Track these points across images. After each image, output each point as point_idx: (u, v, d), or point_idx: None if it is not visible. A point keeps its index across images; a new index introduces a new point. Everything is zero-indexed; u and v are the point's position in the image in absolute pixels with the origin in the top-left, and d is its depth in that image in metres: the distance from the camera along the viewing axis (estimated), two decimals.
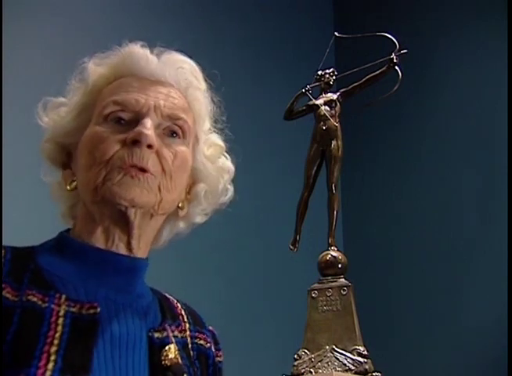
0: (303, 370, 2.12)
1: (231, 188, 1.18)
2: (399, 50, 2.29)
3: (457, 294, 3.13)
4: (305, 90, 2.38)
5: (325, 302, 2.18)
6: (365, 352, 2.09)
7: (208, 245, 3.03)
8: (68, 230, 1.09)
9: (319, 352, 2.12)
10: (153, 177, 1.02)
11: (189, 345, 1.09)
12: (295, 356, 2.15)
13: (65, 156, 1.10)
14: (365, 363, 2.08)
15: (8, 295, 0.94)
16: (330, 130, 2.33)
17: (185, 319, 1.13)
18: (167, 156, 1.04)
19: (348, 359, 2.08)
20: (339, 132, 2.33)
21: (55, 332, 0.93)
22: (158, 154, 1.03)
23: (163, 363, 1.01)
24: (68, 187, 1.07)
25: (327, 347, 2.11)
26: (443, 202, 3.28)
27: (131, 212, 1.03)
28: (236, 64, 3.21)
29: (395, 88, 2.28)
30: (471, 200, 3.20)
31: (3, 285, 0.95)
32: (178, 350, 1.04)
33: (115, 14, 3.07)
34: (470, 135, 3.27)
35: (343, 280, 2.21)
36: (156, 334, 1.03)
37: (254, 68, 3.38)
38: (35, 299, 0.95)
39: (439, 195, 3.31)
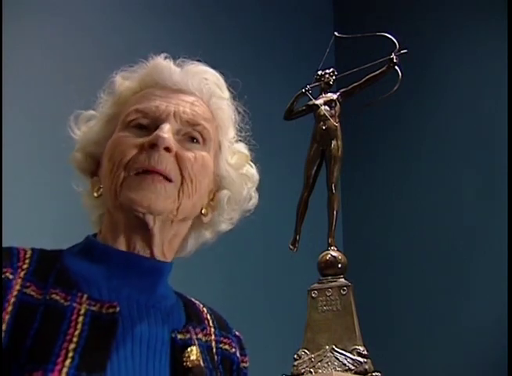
0: (303, 370, 2.12)
1: (255, 195, 1.19)
2: (399, 50, 2.29)
3: (457, 294, 3.13)
4: (305, 90, 2.38)
5: (325, 302, 2.18)
6: (365, 352, 2.09)
7: (208, 245, 3.02)
8: (95, 235, 1.11)
9: (318, 352, 2.12)
10: (171, 184, 1.03)
11: (214, 350, 1.11)
12: (295, 356, 2.15)
13: (94, 164, 1.12)
14: (365, 363, 2.08)
15: (32, 293, 0.96)
16: (330, 130, 2.33)
17: (211, 324, 1.15)
18: (187, 159, 1.05)
19: (348, 359, 2.08)
20: (339, 132, 2.33)
21: (75, 330, 0.95)
22: (177, 158, 1.04)
23: (184, 364, 1.02)
24: (95, 194, 1.10)
25: (327, 347, 2.11)
26: (443, 202, 3.28)
27: (150, 219, 1.03)
28: (236, 64, 3.19)
29: (395, 88, 2.28)
30: (471, 200, 3.20)
31: (28, 283, 0.97)
32: (201, 352, 1.05)
33: (115, 14, 3.07)
34: (470, 135, 3.27)
35: (343, 280, 2.21)
36: (180, 336, 1.04)
37: (254, 68, 3.38)
38: (58, 298, 0.97)
39: (439, 195, 3.31)
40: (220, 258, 3.08)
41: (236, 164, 1.16)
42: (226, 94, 1.16)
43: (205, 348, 1.08)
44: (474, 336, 3.03)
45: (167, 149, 1.03)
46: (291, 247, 2.35)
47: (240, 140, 1.18)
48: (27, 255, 1.01)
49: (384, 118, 3.48)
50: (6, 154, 2.39)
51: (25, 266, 0.99)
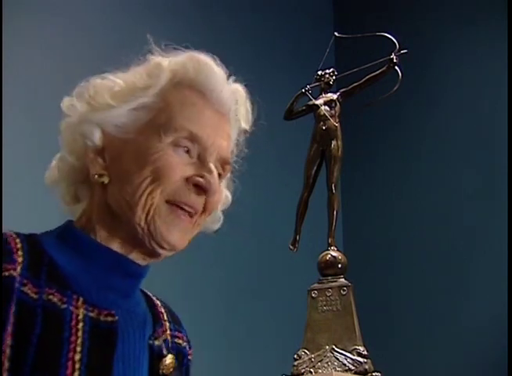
0: (303, 370, 2.12)
1: (222, 217, 1.14)
2: (399, 50, 2.29)
3: (457, 294, 3.13)
4: (305, 90, 2.38)
5: (325, 302, 2.18)
6: (365, 352, 2.09)
7: (208, 245, 3.02)
8: (72, 221, 1.05)
9: (318, 352, 2.12)
10: (196, 221, 1.03)
11: (169, 345, 1.07)
12: (295, 356, 2.15)
13: (101, 142, 1.03)
14: (365, 363, 2.08)
15: (29, 291, 0.92)
16: (330, 130, 2.33)
17: (165, 318, 1.11)
18: (213, 202, 1.04)
19: (348, 359, 2.08)
20: (339, 132, 2.33)
21: (77, 338, 0.92)
22: (206, 199, 1.02)
23: (160, 372, 1.01)
24: (95, 178, 1.02)
25: (327, 347, 2.11)
26: (443, 202, 3.28)
27: (165, 253, 1.03)
28: (236, 64, 3.20)
29: (395, 88, 2.28)
30: (471, 200, 3.20)
31: (25, 280, 0.92)
32: (174, 358, 1.04)
33: (115, 14, 3.07)
34: (470, 135, 3.27)
35: (343, 280, 2.21)
36: (156, 342, 1.03)
37: (253, 68, 3.37)
38: (55, 299, 0.93)
39: (439, 195, 3.31)
40: (220, 258, 3.08)
41: None
42: (245, 125, 1.13)
43: (166, 347, 1.06)
44: (474, 336, 3.03)
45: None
46: (291, 247, 2.35)
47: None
48: (18, 245, 0.95)
49: (384, 118, 3.48)
50: (6, 154, 2.39)
51: (20, 260, 0.93)
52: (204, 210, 1.03)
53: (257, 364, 2.97)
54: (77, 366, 0.90)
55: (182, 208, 1.00)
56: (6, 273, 0.91)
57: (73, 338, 0.92)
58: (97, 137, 1.02)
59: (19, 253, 0.94)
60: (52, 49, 2.81)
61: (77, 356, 0.91)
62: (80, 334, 0.93)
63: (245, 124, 1.12)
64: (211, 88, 1.05)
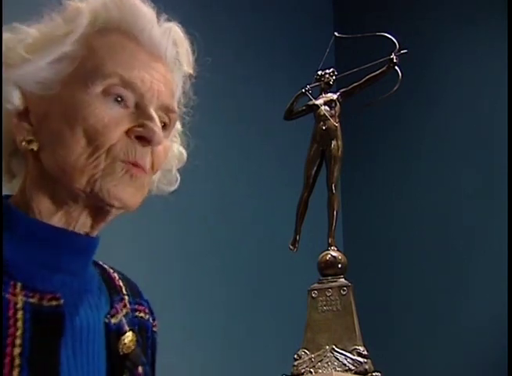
0: (303, 370, 2.12)
1: (178, 176, 1.05)
2: (399, 50, 2.28)
3: (457, 294, 3.13)
4: (305, 90, 2.38)
5: (325, 302, 2.18)
6: (365, 352, 2.09)
7: (208, 245, 3.03)
8: (8, 197, 0.94)
9: (318, 352, 2.12)
10: (145, 175, 0.93)
11: (131, 320, 0.99)
12: (295, 356, 2.15)
13: (23, 103, 0.93)
14: (365, 363, 2.08)
15: None
16: (330, 130, 2.33)
17: (124, 291, 1.01)
18: (159, 154, 0.94)
19: (348, 359, 2.08)
20: (339, 132, 2.33)
21: (16, 329, 0.82)
22: (152, 151, 0.93)
23: (120, 351, 0.93)
24: (22, 145, 0.92)
25: (327, 347, 2.11)
26: (443, 202, 3.28)
27: (116, 211, 0.94)
28: (236, 64, 3.21)
29: (395, 88, 2.28)
30: (471, 200, 3.20)
31: None
32: (135, 335, 0.96)
33: None
34: (470, 134, 3.27)
35: (343, 280, 2.21)
36: (113, 320, 0.94)
37: (253, 68, 3.38)
38: None
39: (439, 195, 3.31)
40: (220, 258, 3.08)
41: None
42: (190, 69, 1.02)
43: (128, 323, 0.97)
44: (474, 336, 3.03)
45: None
46: (291, 247, 2.34)
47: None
48: None
49: (384, 118, 3.48)
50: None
51: None
52: (152, 164, 0.93)
53: (257, 364, 2.97)
54: (16, 361, 0.81)
55: (134, 166, 0.91)
56: None
57: (11, 331, 0.82)
58: (16, 98, 0.92)
59: None
60: None
61: (17, 350, 0.81)
62: (20, 324, 0.83)
63: (188, 68, 1.01)
64: (140, 27, 0.95)
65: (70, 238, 0.92)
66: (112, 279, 1.02)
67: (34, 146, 0.91)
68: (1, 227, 0.89)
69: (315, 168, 2.35)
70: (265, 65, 3.45)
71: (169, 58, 0.98)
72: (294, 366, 2.14)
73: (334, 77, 2.40)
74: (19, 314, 0.83)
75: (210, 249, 3.03)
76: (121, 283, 1.02)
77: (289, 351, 2.20)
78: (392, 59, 2.28)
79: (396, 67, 2.29)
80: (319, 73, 2.41)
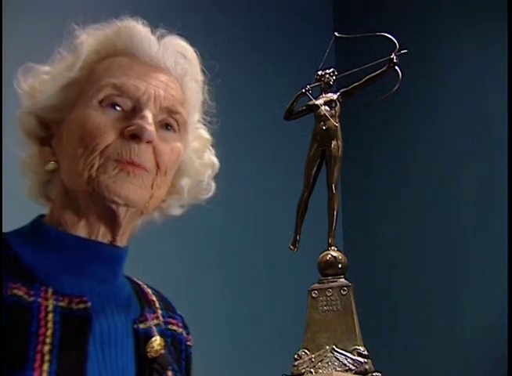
0: (303, 370, 2.12)
1: (213, 184, 1.11)
2: (399, 50, 2.29)
3: (457, 295, 3.13)
4: (305, 90, 2.38)
5: (325, 302, 2.18)
6: (366, 352, 2.09)
7: (208, 245, 3.03)
8: (42, 216, 1.04)
9: (319, 352, 2.12)
10: (147, 174, 0.97)
11: (164, 332, 1.05)
12: (295, 356, 2.15)
13: (43, 130, 1.03)
14: (366, 363, 2.08)
15: None
16: (330, 130, 2.33)
17: (157, 305, 1.09)
18: (164, 152, 0.99)
19: (348, 359, 2.08)
20: (339, 132, 2.33)
21: (47, 329, 0.89)
22: (154, 150, 0.98)
23: (148, 354, 0.98)
24: (46, 167, 1.02)
25: (327, 347, 2.11)
26: (443, 202, 3.28)
27: (122, 211, 0.98)
28: (236, 64, 3.21)
29: (395, 88, 2.28)
30: (471, 200, 3.20)
31: None
32: (164, 340, 1.02)
33: (115, 14, 3.07)
34: (470, 134, 3.27)
35: (343, 280, 2.21)
36: (141, 326, 1.00)
37: (254, 68, 3.38)
38: (21, 293, 0.91)
39: (439, 195, 3.31)
40: (220, 258, 3.08)
41: (198, 150, 1.09)
42: (200, 75, 1.08)
43: (159, 333, 1.03)
44: (474, 336, 3.03)
45: (149, 141, 0.97)
46: (291, 247, 2.35)
47: (204, 124, 1.11)
48: None
49: (383, 118, 3.48)
50: (6, 154, 2.38)
51: None
52: (157, 164, 0.98)
53: (258, 364, 2.97)
54: (46, 357, 0.87)
55: (130, 164, 0.96)
56: None
57: (42, 331, 0.89)
58: (35, 125, 1.03)
59: None
60: (52, 49, 2.81)
61: (47, 348, 0.88)
62: (50, 325, 0.90)
63: (198, 75, 1.07)
64: (136, 45, 1.02)
65: (94, 247, 0.99)
66: (145, 293, 1.09)
67: (55, 166, 1.01)
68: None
69: (315, 168, 2.35)
70: (265, 65, 3.45)
71: (172, 68, 1.03)
72: (294, 366, 2.14)
73: (334, 77, 2.40)
74: (50, 316, 0.91)
75: (211, 249, 3.03)
76: (154, 298, 1.10)
77: (289, 351, 2.20)
78: (392, 59, 2.28)
79: (396, 67, 2.29)
80: (319, 73, 2.42)
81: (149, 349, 0.99)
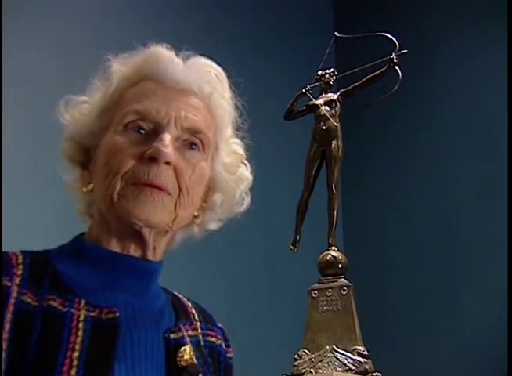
0: (303, 370, 2.12)
1: (247, 198, 1.16)
2: (399, 50, 2.29)
3: (457, 295, 3.13)
4: (305, 90, 2.38)
5: (325, 302, 2.18)
6: (366, 352, 2.09)
7: (208, 245, 3.02)
8: (83, 234, 1.10)
9: (319, 352, 2.12)
10: (168, 196, 1.01)
11: (201, 343, 1.10)
12: (295, 356, 2.15)
13: (83, 155, 1.10)
14: (366, 363, 2.08)
15: (29, 300, 0.96)
16: (330, 130, 2.33)
17: (196, 318, 1.14)
18: (185, 172, 1.03)
19: (349, 359, 2.08)
20: (339, 132, 2.33)
21: (77, 337, 0.95)
22: (176, 170, 1.02)
23: (178, 364, 1.02)
24: (84, 189, 1.08)
25: (327, 347, 2.11)
26: (443, 202, 3.28)
27: (146, 231, 1.03)
28: (236, 64, 3.20)
29: (395, 88, 2.28)
30: (471, 200, 3.20)
31: (24, 290, 0.97)
32: (194, 350, 1.06)
33: (115, 14, 3.07)
34: (470, 134, 3.27)
35: (343, 280, 2.21)
36: (172, 335, 1.05)
37: (254, 68, 3.38)
38: (55, 304, 0.97)
39: (439, 195, 3.31)
40: (220, 258, 3.08)
41: (231, 166, 1.13)
42: (227, 92, 1.12)
43: (195, 344, 1.08)
44: (474, 336, 3.03)
45: (167, 163, 1.01)
46: (291, 247, 2.35)
47: (237, 138, 1.15)
48: (19, 260, 1.00)
49: (383, 118, 3.48)
50: (6, 154, 2.39)
51: (19, 272, 0.98)
52: (180, 188, 1.03)
53: (258, 364, 2.97)
54: (74, 362, 0.92)
55: (149, 186, 1.00)
56: None
57: (72, 338, 0.95)
58: (75, 151, 1.09)
59: (20, 267, 0.99)
60: (52, 49, 2.81)
61: (76, 354, 0.93)
62: (80, 333, 0.96)
63: (225, 93, 1.12)
64: (162, 70, 1.07)
65: (127, 262, 1.05)
66: (184, 306, 1.15)
67: (91, 188, 1.07)
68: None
69: (315, 168, 2.35)
70: (265, 65, 3.45)
71: (197, 89, 1.07)
72: (295, 366, 2.14)
73: (334, 77, 2.40)
74: (81, 325, 0.97)
75: (210, 249, 3.03)
76: (194, 311, 1.15)
77: (289, 351, 2.20)
78: (392, 59, 2.29)
79: (396, 67, 2.29)
80: (320, 73, 2.42)
81: (178, 358, 1.03)
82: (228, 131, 1.13)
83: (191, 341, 1.07)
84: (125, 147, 1.02)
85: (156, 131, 1.02)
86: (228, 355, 1.17)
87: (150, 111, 1.03)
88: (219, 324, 1.19)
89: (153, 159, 1.00)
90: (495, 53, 3.23)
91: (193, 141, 1.04)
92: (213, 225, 1.15)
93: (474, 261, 3.13)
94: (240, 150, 1.15)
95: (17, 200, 2.48)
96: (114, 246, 1.04)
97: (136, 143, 1.02)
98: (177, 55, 1.10)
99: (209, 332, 1.14)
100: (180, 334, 1.05)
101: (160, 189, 1.00)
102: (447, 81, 3.41)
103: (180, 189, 1.02)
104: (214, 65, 1.12)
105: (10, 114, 2.53)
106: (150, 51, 1.10)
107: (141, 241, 1.04)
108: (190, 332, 1.09)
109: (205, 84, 1.08)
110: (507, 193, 3.01)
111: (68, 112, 1.10)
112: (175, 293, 1.16)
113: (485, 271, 3.07)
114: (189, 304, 1.16)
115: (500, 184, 3.06)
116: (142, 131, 1.03)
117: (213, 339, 1.14)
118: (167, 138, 1.01)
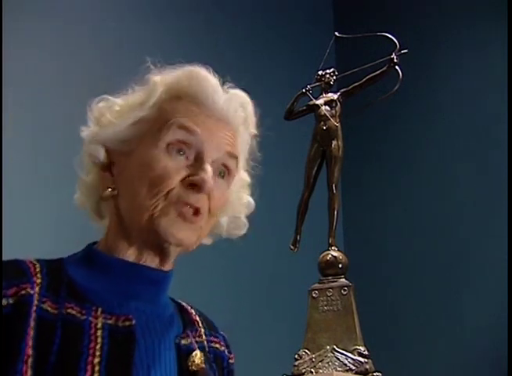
0: (304, 370, 2.12)
1: (246, 222, 1.22)
2: (399, 50, 2.29)
3: (457, 295, 3.13)
4: (306, 90, 2.38)
5: (325, 302, 2.18)
6: (366, 352, 2.09)
7: (208, 245, 3.02)
8: (94, 243, 1.13)
9: (319, 352, 2.12)
10: (202, 219, 1.08)
11: (206, 349, 1.15)
12: (296, 356, 2.15)
13: (108, 159, 1.12)
14: (366, 363, 2.08)
15: (49, 309, 1.00)
16: (331, 130, 2.33)
17: (201, 325, 1.19)
18: (217, 198, 1.09)
19: (349, 359, 2.08)
20: (339, 132, 2.33)
21: (96, 344, 1.00)
22: (209, 196, 1.08)
23: (190, 368, 1.07)
24: (103, 193, 1.11)
25: (328, 347, 2.11)
26: (443, 202, 3.28)
27: (173, 249, 1.08)
28: (236, 64, 3.21)
29: (395, 88, 2.28)
30: (471, 200, 3.20)
31: (44, 299, 1.01)
32: (204, 355, 1.10)
33: (115, 15, 3.07)
34: (471, 134, 3.27)
35: (343, 280, 2.21)
36: (183, 341, 1.10)
37: (254, 68, 3.38)
38: (74, 312, 1.02)
39: (439, 195, 3.31)
40: (221, 258, 3.08)
41: (239, 192, 1.19)
42: (254, 127, 1.19)
43: (201, 350, 1.12)
44: (474, 336, 3.03)
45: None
46: (292, 247, 2.35)
47: (247, 168, 1.21)
48: (37, 269, 1.04)
49: (384, 118, 3.48)
50: (6, 154, 2.39)
51: (39, 281, 1.02)
52: (209, 208, 1.08)
53: (258, 364, 2.97)
54: (96, 368, 0.97)
55: (186, 208, 1.06)
56: (23, 292, 1.00)
57: (92, 345, 1.00)
58: (101, 154, 1.11)
59: (38, 276, 1.03)
60: (52, 49, 2.81)
61: (97, 360, 0.98)
62: (99, 340, 1.00)
63: (253, 128, 1.19)
64: (205, 95, 1.10)
65: (141, 271, 1.09)
66: (189, 314, 1.19)
67: (114, 192, 1.10)
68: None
69: (315, 168, 2.35)
70: (265, 65, 3.45)
71: (232, 120, 1.13)
72: (295, 366, 2.14)
73: (335, 77, 2.41)
74: (99, 332, 1.01)
75: (210, 250, 3.02)
76: (198, 318, 1.20)
77: (289, 351, 2.20)
78: (392, 59, 2.29)
79: (396, 67, 2.29)
80: (320, 73, 2.42)
81: (190, 363, 1.08)
82: (243, 160, 1.19)
83: (200, 347, 1.12)
84: (169, 167, 1.06)
85: (196, 159, 1.07)
86: (231, 361, 1.23)
87: (196, 143, 1.07)
88: (221, 332, 1.24)
89: (195, 186, 1.06)
90: (495, 53, 3.23)
91: (222, 170, 1.11)
92: (206, 241, 1.21)
93: (474, 261, 3.13)
94: (247, 177, 1.21)
95: (17, 200, 2.48)
96: (130, 255, 1.08)
97: (180, 166, 1.06)
98: (221, 83, 1.13)
99: (213, 338, 1.19)
100: (189, 340, 1.11)
101: (199, 212, 1.06)
102: (447, 81, 3.41)
103: (209, 212, 1.09)
104: (249, 100, 1.17)
105: (10, 114, 2.53)
106: (196, 72, 1.12)
107: (162, 254, 1.09)
108: (196, 338, 1.14)
109: (238, 115, 1.14)
110: (507, 193, 3.01)
111: (99, 110, 1.13)
112: (180, 301, 1.21)
113: (485, 271, 3.07)
114: (193, 311, 1.21)
115: (500, 184, 3.06)
116: (182, 154, 1.07)
117: (217, 345, 1.19)
118: (210, 169, 1.07)
